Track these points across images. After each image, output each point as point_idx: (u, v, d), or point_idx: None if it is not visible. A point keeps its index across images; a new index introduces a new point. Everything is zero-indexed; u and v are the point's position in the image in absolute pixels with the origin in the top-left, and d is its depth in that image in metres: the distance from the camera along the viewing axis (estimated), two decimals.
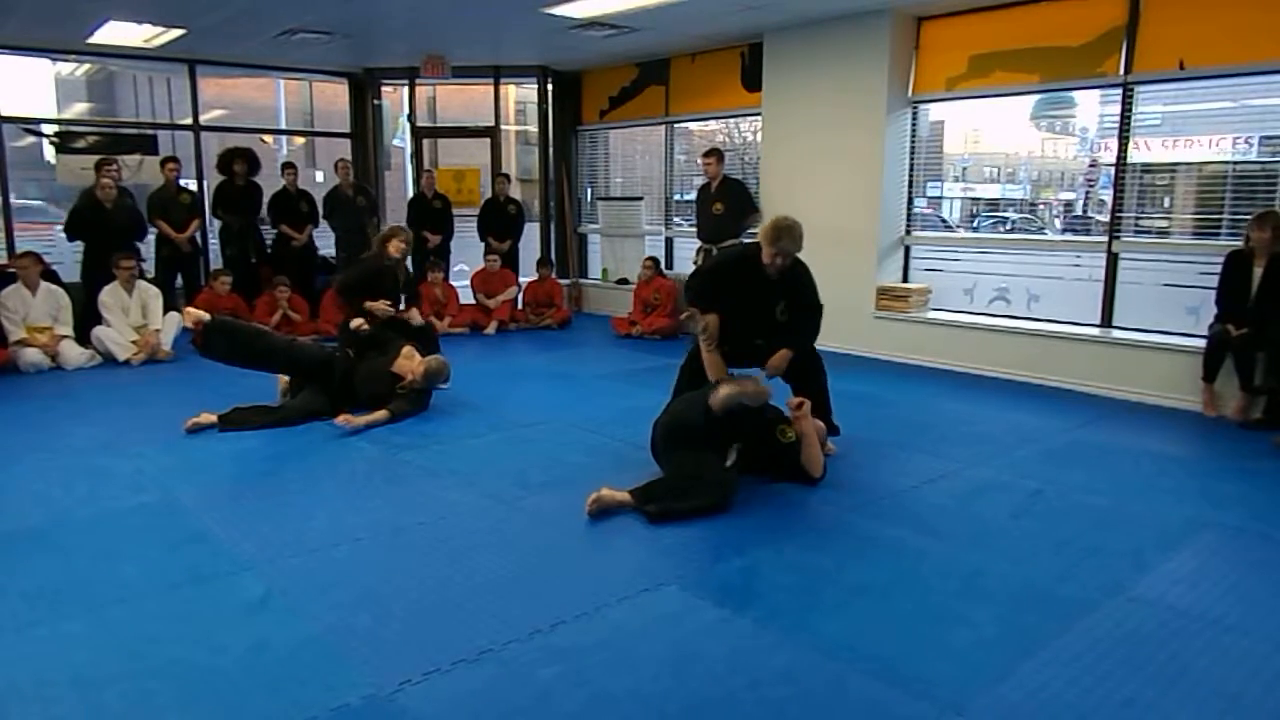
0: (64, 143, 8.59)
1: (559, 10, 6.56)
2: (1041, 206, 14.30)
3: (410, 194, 9.43)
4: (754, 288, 4.20)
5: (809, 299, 4.27)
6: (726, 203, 7.39)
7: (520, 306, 8.82)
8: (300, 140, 16.93)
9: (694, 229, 7.88)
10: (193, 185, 8.77)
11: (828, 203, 7.08)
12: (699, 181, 8.13)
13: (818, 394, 4.34)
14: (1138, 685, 2.33)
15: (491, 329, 8.18)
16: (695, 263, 7.90)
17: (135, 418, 5.02)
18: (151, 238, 7.80)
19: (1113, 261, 5.99)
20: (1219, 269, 5.20)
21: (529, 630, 2.59)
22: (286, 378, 5.20)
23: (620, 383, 6.12)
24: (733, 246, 7.47)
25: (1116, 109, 5.87)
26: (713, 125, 9.32)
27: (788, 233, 4.06)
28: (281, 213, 8.28)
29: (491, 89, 9.58)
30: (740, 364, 4.33)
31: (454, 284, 8.57)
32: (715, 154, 7.45)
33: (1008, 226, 12.77)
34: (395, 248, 5.63)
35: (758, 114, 7.83)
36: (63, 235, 7.45)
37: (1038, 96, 6.99)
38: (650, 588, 2.89)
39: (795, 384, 4.35)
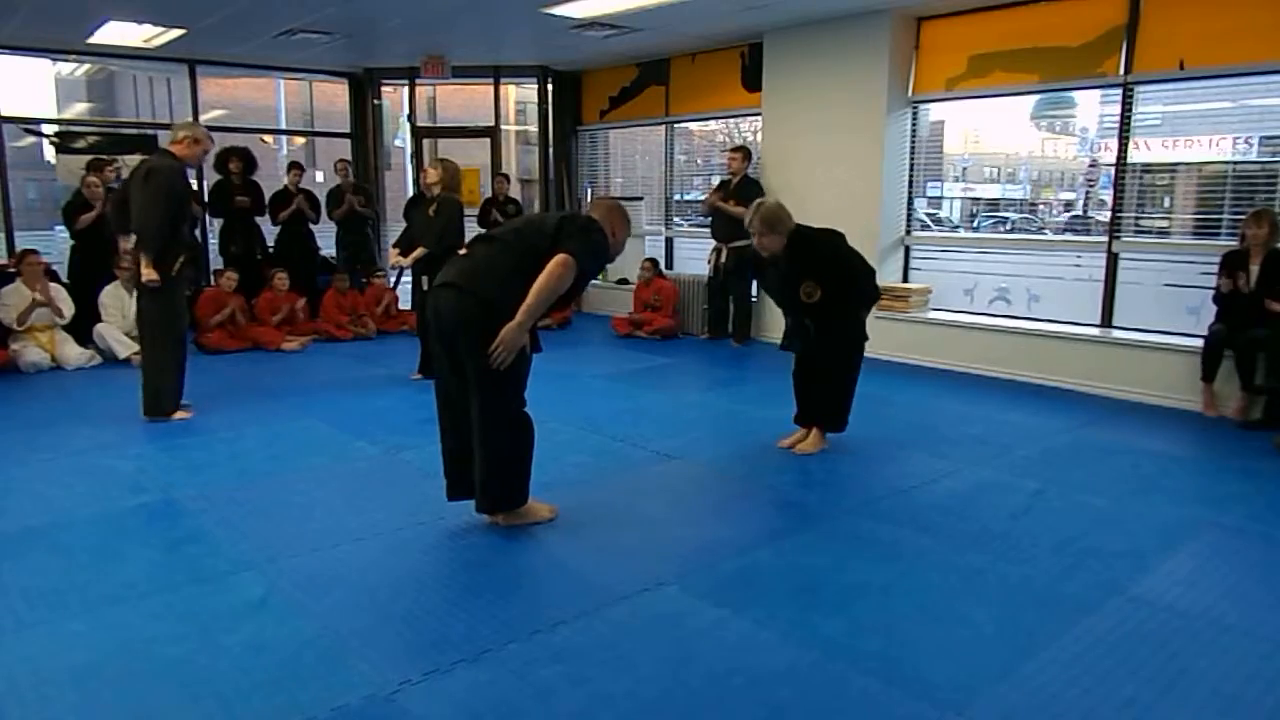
0: (64, 143, 8.59)
1: (559, 10, 6.56)
2: (1041, 206, 14.32)
3: (410, 194, 9.43)
4: (780, 276, 4.24)
5: (838, 270, 4.16)
6: (744, 202, 7.40)
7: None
8: (300, 140, 16.93)
9: (697, 228, 7.87)
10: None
11: (828, 202, 7.07)
12: (699, 181, 8.12)
13: (836, 390, 4.41)
14: (1138, 685, 2.33)
15: None
16: (708, 262, 7.87)
17: (135, 418, 5.02)
18: None
19: (1113, 261, 5.98)
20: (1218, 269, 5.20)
21: (529, 630, 2.59)
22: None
23: (620, 383, 6.12)
24: (747, 246, 7.49)
25: (1116, 109, 5.87)
26: (713, 125, 9.32)
27: (755, 212, 4.11)
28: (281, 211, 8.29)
29: (491, 89, 9.59)
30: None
31: None
32: (742, 150, 7.56)
33: (1008, 226, 12.79)
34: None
35: (758, 114, 7.84)
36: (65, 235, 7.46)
37: (1038, 97, 7.00)
38: (650, 588, 2.89)
39: (817, 379, 4.41)
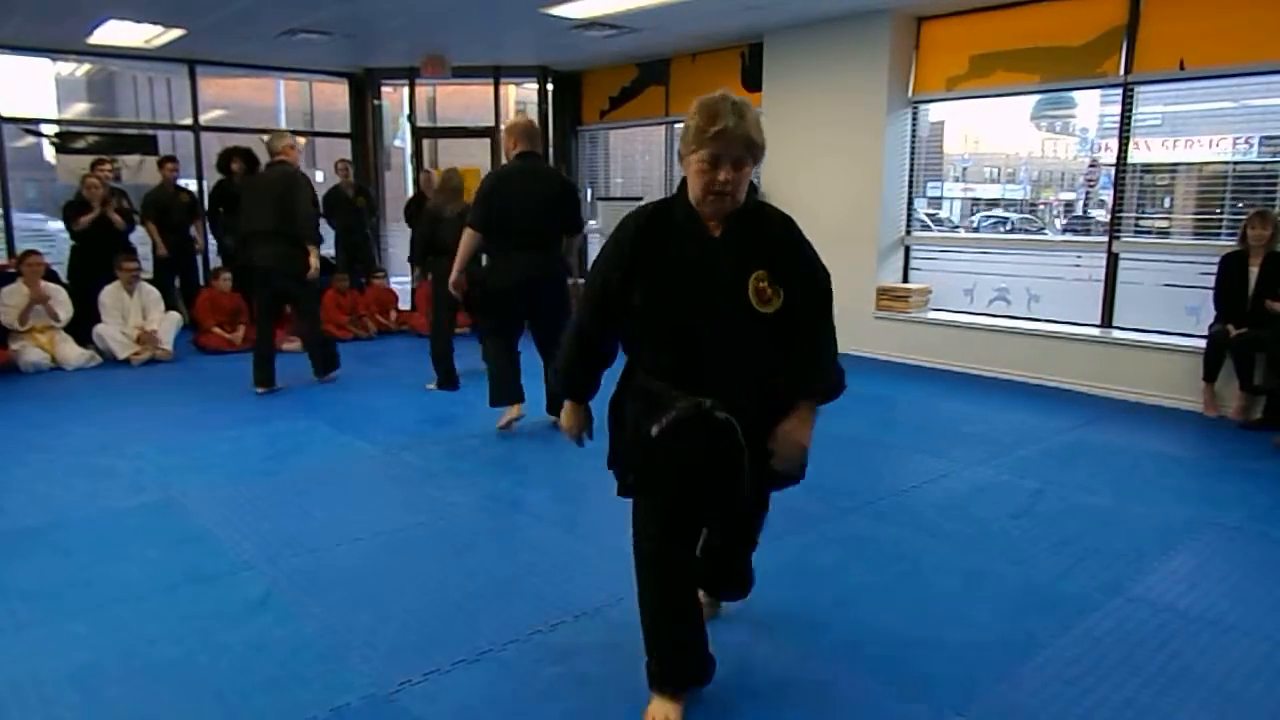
0: (64, 143, 8.59)
1: (559, 10, 6.56)
2: (1041, 206, 14.31)
3: (410, 194, 9.43)
4: (696, 255, 2.09)
5: (806, 268, 2.16)
6: None
7: None
8: (300, 140, 16.92)
9: None
10: (192, 185, 8.78)
11: (828, 203, 7.08)
12: None
13: (744, 551, 2.52)
14: (1138, 685, 2.33)
15: None
16: None
17: (135, 418, 5.02)
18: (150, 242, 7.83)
19: (1113, 261, 5.99)
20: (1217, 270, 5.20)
21: (529, 630, 2.59)
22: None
23: None
24: None
25: (1116, 109, 5.87)
26: None
27: (713, 101, 2.09)
28: None
29: (491, 89, 9.59)
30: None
31: None
32: None
33: (1008, 226, 12.77)
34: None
35: (758, 114, 7.82)
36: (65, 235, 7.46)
37: (1038, 96, 6.99)
38: None
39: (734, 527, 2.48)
